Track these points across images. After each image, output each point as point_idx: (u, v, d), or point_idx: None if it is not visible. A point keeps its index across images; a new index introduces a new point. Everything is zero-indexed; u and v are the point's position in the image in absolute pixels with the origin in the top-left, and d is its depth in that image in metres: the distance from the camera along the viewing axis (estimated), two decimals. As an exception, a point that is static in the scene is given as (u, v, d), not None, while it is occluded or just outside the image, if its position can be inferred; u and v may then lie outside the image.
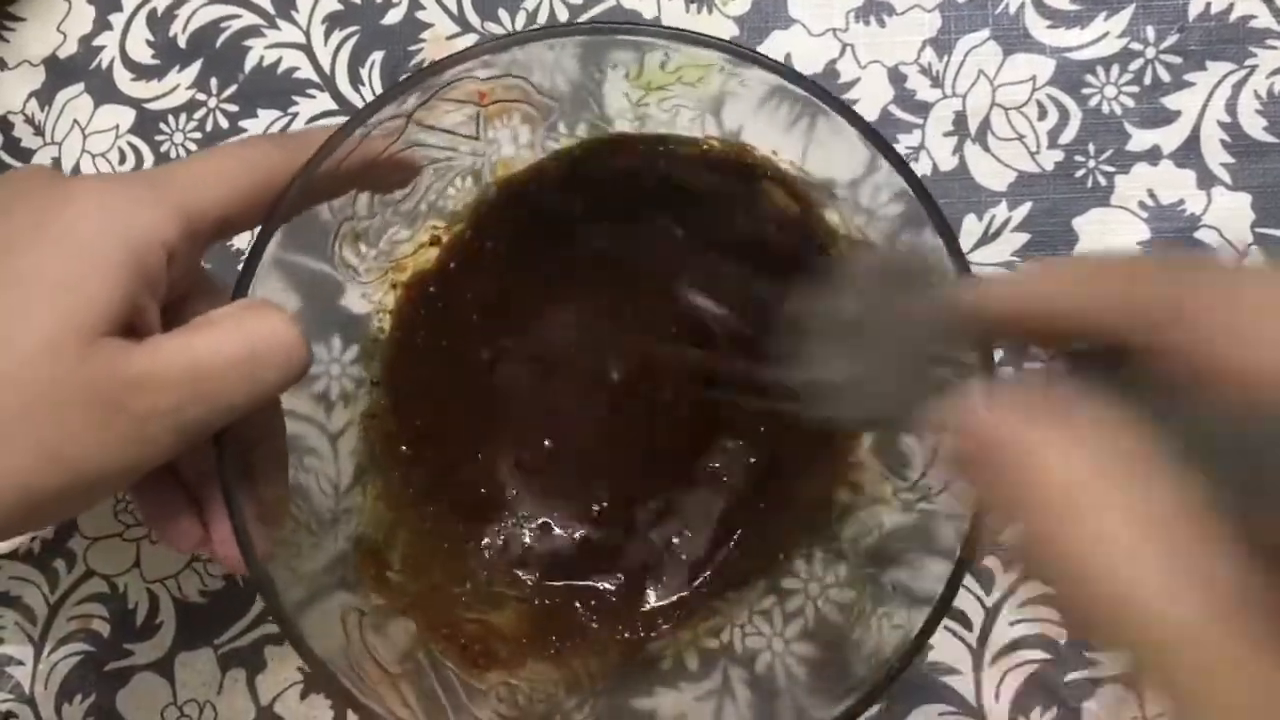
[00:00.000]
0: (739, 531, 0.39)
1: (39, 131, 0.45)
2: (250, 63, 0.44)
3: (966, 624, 0.40)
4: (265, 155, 0.31)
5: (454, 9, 0.44)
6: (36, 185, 0.28)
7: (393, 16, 0.44)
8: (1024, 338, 0.24)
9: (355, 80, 0.44)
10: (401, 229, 0.38)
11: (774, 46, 0.43)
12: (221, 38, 0.45)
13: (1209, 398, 0.20)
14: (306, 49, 0.44)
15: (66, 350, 0.26)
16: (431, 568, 0.39)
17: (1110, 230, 0.41)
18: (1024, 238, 0.41)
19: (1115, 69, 0.41)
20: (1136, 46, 0.41)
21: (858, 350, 0.27)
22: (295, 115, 0.44)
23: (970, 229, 0.41)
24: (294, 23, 0.44)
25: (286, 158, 0.31)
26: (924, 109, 0.42)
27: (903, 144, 0.42)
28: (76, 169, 0.45)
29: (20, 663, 0.43)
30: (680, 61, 0.34)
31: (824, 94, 0.31)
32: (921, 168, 0.42)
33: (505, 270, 0.39)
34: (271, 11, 0.44)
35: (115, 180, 0.28)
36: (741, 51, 0.31)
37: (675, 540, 0.39)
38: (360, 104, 0.44)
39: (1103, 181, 0.41)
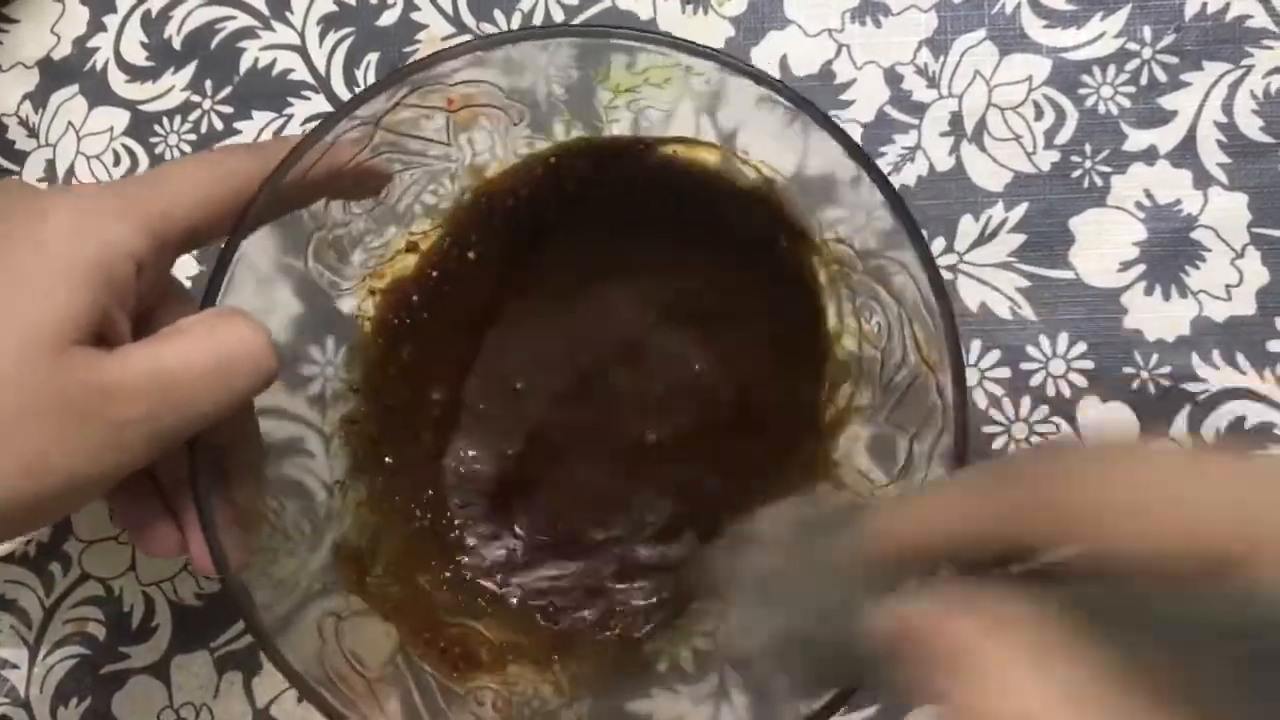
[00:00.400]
0: (721, 530, 0.39)
1: (33, 134, 0.45)
2: (245, 64, 0.44)
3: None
4: (239, 164, 0.31)
5: (449, 10, 0.44)
6: (10, 199, 0.28)
7: (388, 18, 0.44)
8: (934, 562, 0.25)
9: (350, 82, 0.44)
10: (376, 236, 0.38)
11: (770, 47, 0.42)
12: (216, 39, 0.44)
13: (1119, 579, 0.21)
14: (301, 50, 0.44)
15: (42, 357, 0.26)
16: (414, 574, 0.39)
17: (1106, 231, 0.41)
18: (1020, 238, 0.41)
19: (1112, 69, 0.41)
20: (1133, 46, 0.41)
21: (784, 602, 0.28)
22: (290, 117, 0.44)
23: (966, 230, 0.41)
24: (289, 24, 0.44)
25: (260, 166, 0.31)
26: (920, 109, 0.42)
27: (899, 144, 0.42)
28: (71, 171, 0.45)
29: (15, 666, 0.43)
30: (646, 63, 0.33)
31: (806, 104, 0.31)
32: (917, 168, 0.42)
33: (484, 277, 0.39)
34: (266, 13, 0.44)
35: (87, 192, 0.29)
36: (728, 60, 0.31)
37: (659, 542, 0.39)
38: (355, 105, 0.44)
39: (1099, 182, 0.41)
